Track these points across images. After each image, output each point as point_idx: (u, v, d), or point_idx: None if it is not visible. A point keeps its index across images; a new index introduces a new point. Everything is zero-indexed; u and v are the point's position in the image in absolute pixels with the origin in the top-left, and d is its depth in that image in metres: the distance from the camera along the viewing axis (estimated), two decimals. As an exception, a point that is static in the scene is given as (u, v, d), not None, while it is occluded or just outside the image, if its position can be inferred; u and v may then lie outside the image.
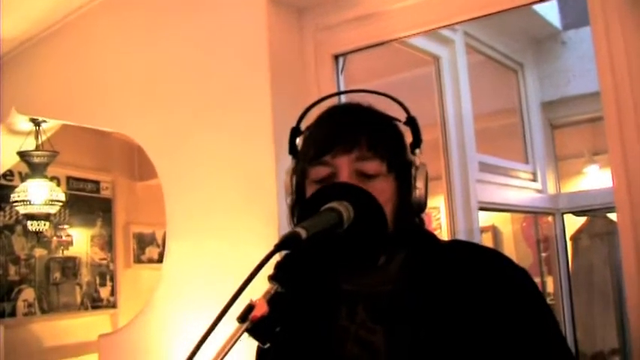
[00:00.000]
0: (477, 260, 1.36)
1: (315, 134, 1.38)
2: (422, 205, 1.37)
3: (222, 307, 1.00)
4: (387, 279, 1.34)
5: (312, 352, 1.37)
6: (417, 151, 1.41)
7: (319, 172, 1.32)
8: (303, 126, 1.45)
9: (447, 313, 1.27)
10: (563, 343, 1.33)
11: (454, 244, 1.48)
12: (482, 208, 3.92)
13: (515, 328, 1.27)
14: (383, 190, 1.30)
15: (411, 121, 1.43)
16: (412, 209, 1.36)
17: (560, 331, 1.35)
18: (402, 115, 1.44)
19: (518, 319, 1.28)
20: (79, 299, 6.51)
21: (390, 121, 1.41)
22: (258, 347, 1.42)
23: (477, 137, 3.93)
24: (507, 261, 1.37)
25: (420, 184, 1.35)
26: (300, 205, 1.36)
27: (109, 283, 6.83)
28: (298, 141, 1.45)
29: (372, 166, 1.30)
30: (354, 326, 1.35)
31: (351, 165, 1.29)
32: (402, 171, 1.36)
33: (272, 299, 1.09)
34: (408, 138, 1.43)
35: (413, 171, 1.36)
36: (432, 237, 1.45)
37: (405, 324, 1.29)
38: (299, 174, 1.40)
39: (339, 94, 1.53)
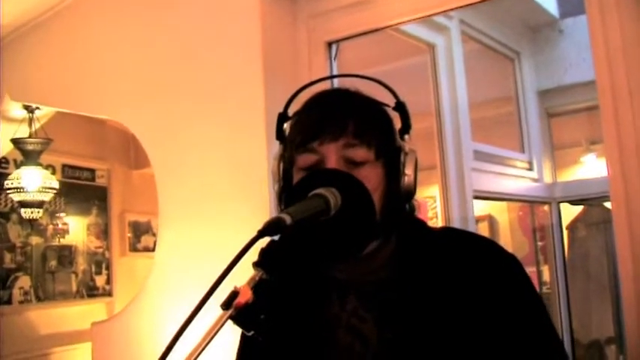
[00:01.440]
0: (467, 248, 1.35)
1: (302, 120, 1.36)
2: (411, 192, 1.34)
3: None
4: (378, 267, 1.33)
5: (303, 340, 1.36)
6: (407, 137, 1.38)
7: (306, 159, 1.30)
8: (292, 111, 1.44)
9: (438, 301, 1.27)
10: (552, 331, 1.32)
11: (445, 231, 1.47)
12: (477, 197, 3.92)
13: (504, 315, 1.26)
14: (371, 177, 1.28)
15: (400, 107, 1.40)
16: (401, 196, 1.34)
17: (549, 319, 1.34)
18: (391, 101, 1.42)
19: (508, 307, 1.27)
20: (74, 287, 6.51)
21: (378, 106, 1.39)
22: (242, 336, 1.40)
23: (473, 126, 3.93)
24: (497, 248, 1.37)
25: (409, 170, 1.33)
26: (287, 192, 1.35)
27: (104, 272, 6.83)
28: (286, 127, 1.44)
29: (360, 153, 1.28)
30: (346, 314, 1.34)
31: (338, 152, 1.27)
32: (391, 157, 1.33)
33: (256, 286, 1.07)
34: (398, 124, 1.41)
35: (402, 157, 1.33)
36: (422, 225, 1.43)
37: (396, 312, 1.28)
38: (286, 161, 1.38)
39: (327, 78, 1.51)
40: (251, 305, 1.06)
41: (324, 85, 1.54)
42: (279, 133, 1.44)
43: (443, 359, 1.24)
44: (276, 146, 1.42)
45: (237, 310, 1.04)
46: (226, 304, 1.04)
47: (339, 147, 1.27)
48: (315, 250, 1.24)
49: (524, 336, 1.27)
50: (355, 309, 1.34)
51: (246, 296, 1.05)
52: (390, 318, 1.29)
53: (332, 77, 1.53)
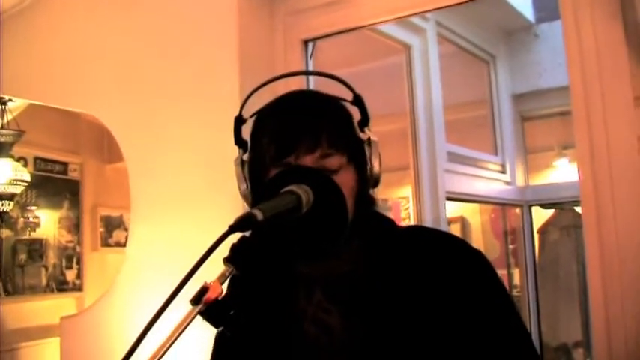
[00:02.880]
0: (433, 243, 1.37)
1: (272, 131, 1.34)
2: (377, 182, 1.38)
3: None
4: (345, 261, 1.34)
5: (271, 334, 1.36)
6: (366, 129, 1.39)
7: None
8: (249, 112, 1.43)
9: (404, 293, 1.28)
10: (519, 322, 1.34)
11: (412, 228, 1.49)
12: (450, 199, 3.94)
13: (469, 307, 1.28)
14: (346, 181, 1.30)
15: (358, 100, 1.41)
16: (369, 188, 1.37)
17: (516, 311, 1.36)
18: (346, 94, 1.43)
19: (473, 299, 1.29)
20: (44, 281, 6.45)
21: (342, 106, 1.40)
22: (218, 332, 1.40)
23: (447, 128, 3.95)
24: (462, 243, 1.39)
25: (375, 161, 1.36)
26: (259, 192, 1.35)
27: (75, 266, 6.78)
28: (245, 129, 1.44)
29: (335, 161, 1.29)
30: (312, 307, 1.34)
31: (314, 163, 1.28)
32: (359, 153, 1.35)
33: (228, 281, 1.08)
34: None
35: (367, 149, 1.36)
36: (389, 221, 1.45)
37: (362, 304, 1.29)
38: (257, 167, 1.36)
39: (277, 78, 1.49)
40: (221, 301, 1.06)
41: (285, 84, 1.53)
42: (238, 138, 1.43)
43: (408, 350, 1.25)
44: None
45: (206, 306, 1.04)
46: (196, 300, 1.04)
47: (315, 159, 1.28)
48: (286, 246, 1.24)
49: (490, 326, 1.29)
50: (320, 302, 1.34)
51: (216, 292, 1.04)
52: (355, 309, 1.30)
53: (285, 76, 1.52)
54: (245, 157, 1.41)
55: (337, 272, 1.34)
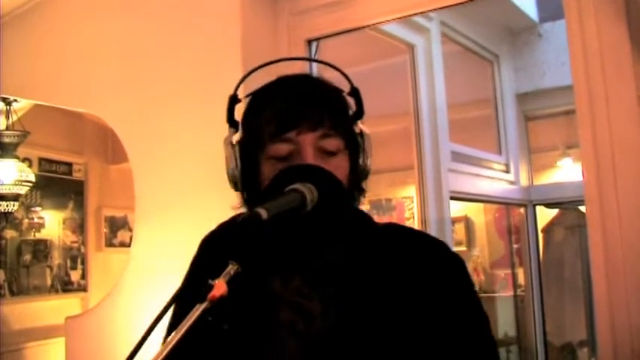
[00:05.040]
0: (410, 241, 1.40)
1: (273, 107, 1.34)
2: (367, 175, 1.39)
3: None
4: (330, 250, 1.35)
5: (243, 319, 1.32)
6: (359, 122, 1.40)
7: (280, 149, 1.29)
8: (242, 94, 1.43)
9: (381, 285, 1.30)
10: (487, 330, 1.36)
11: (390, 225, 1.48)
12: (454, 198, 3.94)
13: (442, 306, 1.30)
14: (341, 166, 1.31)
15: (355, 92, 1.42)
16: (361, 179, 1.38)
17: (486, 318, 1.37)
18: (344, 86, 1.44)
19: (447, 298, 1.32)
20: (49, 282, 6.45)
21: (342, 93, 1.40)
22: (172, 317, 1.36)
23: (451, 127, 3.94)
24: (439, 242, 1.42)
25: (369, 153, 1.38)
26: (253, 182, 1.34)
27: (79, 267, 6.78)
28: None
29: (334, 143, 1.30)
30: (288, 292, 1.34)
31: (314, 143, 1.28)
32: (354, 143, 1.37)
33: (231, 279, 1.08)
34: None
35: (360, 141, 1.37)
36: (367, 216, 1.47)
37: (344, 291, 1.30)
38: (252, 147, 1.36)
39: (277, 61, 1.49)
40: (226, 299, 1.06)
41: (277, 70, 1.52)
42: (231, 117, 1.43)
43: (386, 338, 1.25)
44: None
45: (211, 304, 1.04)
46: (201, 298, 1.04)
47: (316, 137, 1.28)
48: (290, 244, 1.24)
49: (457, 328, 1.31)
50: (299, 287, 1.34)
51: (220, 290, 1.05)
52: (337, 296, 1.30)
53: (286, 60, 1.52)
54: (235, 138, 1.40)
55: (323, 259, 1.34)
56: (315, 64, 2.67)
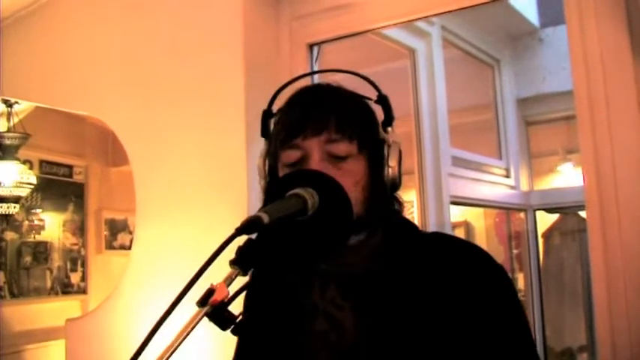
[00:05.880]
0: (454, 252, 1.36)
1: (285, 117, 1.37)
2: (396, 184, 1.36)
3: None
4: (363, 259, 1.35)
5: (279, 330, 1.37)
6: (389, 129, 1.39)
7: (290, 155, 1.31)
8: (276, 109, 1.44)
9: (420, 296, 1.28)
10: (530, 343, 1.34)
11: (434, 235, 1.47)
12: (454, 203, 3.94)
13: (484, 321, 1.27)
14: (354, 170, 1.30)
15: (382, 99, 1.41)
16: (385, 188, 1.35)
17: (529, 331, 1.36)
18: (373, 94, 1.43)
19: (489, 313, 1.29)
20: (49, 284, 6.46)
21: (359, 99, 1.40)
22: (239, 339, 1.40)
23: (451, 132, 3.95)
24: (484, 255, 1.38)
25: (392, 162, 1.35)
26: (265, 190, 1.36)
27: (79, 269, 6.78)
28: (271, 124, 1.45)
29: (342, 147, 1.29)
30: (324, 302, 1.35)
31: (321, 147, 1.29)
32: (375, 150, 1.35)
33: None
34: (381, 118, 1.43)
35: (385, 149, 1.35)
36: (411, 224, 1.45)
37: (376, 302, 1.29)
38: (272, 157, 1.39)
39: (310, 74, 1.51)
40: (227, 303, 1.06)
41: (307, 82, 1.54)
42: (265, 130, 1.45)
43: (417, 350, 1.25)
44: (256, 145, 1.43)
45: (212, 308, 1.04)
46: (202, 302, 1.05)
47: (322, 142, 1.29)
48: (291, 248, 1.24)
49: (500, 342, 1.28)
50: (333, 297, 1.35)
51: (222, 294, 1.05)
52: (369, 307, 1.30)
53: (314, 73, 1.54)
54: (263, 151, 1.43)
55: (356, 270, 1.34)
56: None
